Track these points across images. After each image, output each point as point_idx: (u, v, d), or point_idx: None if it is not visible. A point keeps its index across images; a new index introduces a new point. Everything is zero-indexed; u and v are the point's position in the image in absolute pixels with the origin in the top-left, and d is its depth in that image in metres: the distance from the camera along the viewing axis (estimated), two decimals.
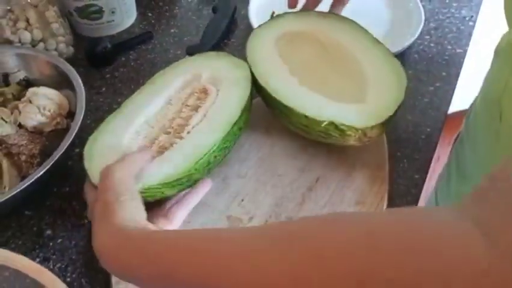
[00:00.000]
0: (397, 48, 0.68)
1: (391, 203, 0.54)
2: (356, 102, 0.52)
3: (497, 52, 0.54)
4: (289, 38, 0.59)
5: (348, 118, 0.50)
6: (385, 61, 0.55)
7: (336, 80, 0.56)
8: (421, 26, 0.71)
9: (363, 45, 0.57)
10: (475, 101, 0.61)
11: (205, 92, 0.56)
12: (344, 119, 0.50)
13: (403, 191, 0.56)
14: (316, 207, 0.53)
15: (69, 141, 0.53)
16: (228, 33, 0.78)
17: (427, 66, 0.70)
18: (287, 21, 0.61)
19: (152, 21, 0.81)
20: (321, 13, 0.62)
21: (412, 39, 0.70)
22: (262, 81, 0.55)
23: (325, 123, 0.50)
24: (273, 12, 0.63)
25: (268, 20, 0.62)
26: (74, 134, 0.54)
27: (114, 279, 0.48)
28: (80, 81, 0.60)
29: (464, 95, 0.74)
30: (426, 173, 0.58)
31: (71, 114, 0.61)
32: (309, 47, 0.59)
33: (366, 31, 0.58)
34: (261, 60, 0.57)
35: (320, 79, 0.56)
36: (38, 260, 0.52)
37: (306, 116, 0.51)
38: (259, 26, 0.61)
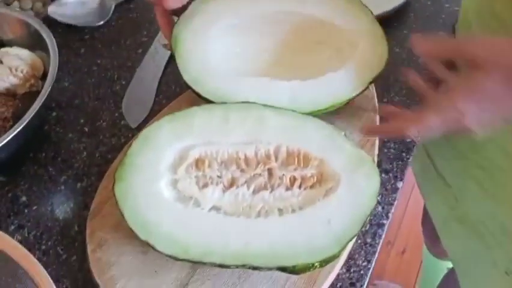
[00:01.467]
0: (392, 6, 0.64)
1: (380, 168, 0.52)
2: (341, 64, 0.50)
3: None
4: (233, 28, 0.53)
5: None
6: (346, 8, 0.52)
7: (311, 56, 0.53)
8: None
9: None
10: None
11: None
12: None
13: (394, 155, 0.53)
14: None
15: (41, 103, 0.50)
16: None
17: (423, 25, 0.66)
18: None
19: None
20: None
21: None
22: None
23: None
24: None
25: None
26: (45, 95, 0.51)
27: (90, 247, 0.46)
28: (54, 41, 0.56)
29: None
30: None
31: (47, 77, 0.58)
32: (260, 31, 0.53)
33: None
34: (208, 77, 0.49)
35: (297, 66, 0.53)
36: (12, 227, 0.50)
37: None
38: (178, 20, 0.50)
